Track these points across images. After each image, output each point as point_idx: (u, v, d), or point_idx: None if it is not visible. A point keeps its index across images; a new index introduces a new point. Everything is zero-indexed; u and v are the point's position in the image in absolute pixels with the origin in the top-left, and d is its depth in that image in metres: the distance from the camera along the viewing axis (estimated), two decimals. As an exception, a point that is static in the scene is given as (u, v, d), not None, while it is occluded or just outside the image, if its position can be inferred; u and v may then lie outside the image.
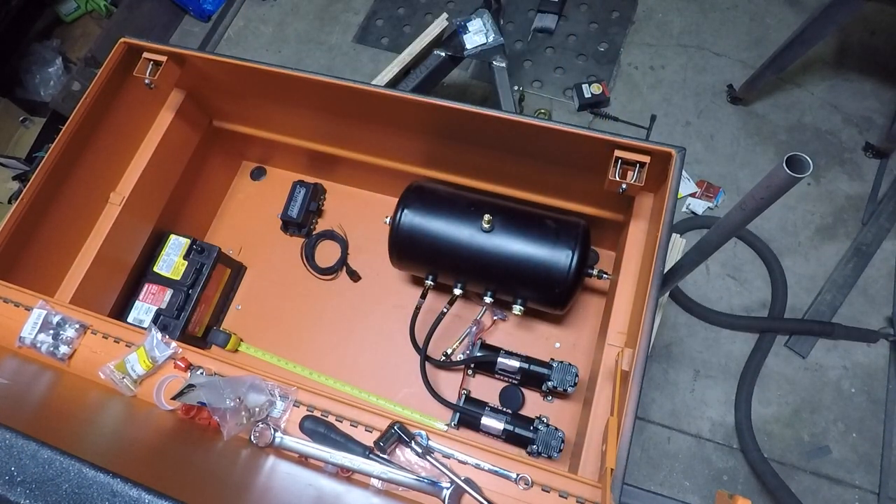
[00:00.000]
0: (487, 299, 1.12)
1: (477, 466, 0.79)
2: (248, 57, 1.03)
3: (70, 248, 1.11)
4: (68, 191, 1.07)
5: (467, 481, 0.76)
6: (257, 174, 1.49)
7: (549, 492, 0.76)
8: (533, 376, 1.11)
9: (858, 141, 1.96)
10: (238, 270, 1.37)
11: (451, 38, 1.64)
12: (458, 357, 1.19)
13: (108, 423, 0.80)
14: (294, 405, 0.83)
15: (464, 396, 1.15)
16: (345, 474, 0.79)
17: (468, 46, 1.60)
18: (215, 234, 1.45)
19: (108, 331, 0.91)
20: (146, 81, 1.05)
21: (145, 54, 1.06)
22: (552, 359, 1.11)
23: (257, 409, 0.80)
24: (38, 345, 0.88)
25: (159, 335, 0.88)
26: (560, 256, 1.03)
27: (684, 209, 1.92)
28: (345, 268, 1.35)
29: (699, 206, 1.91)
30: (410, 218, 1.10)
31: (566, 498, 0.75)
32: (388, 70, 1.66)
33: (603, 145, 0.91)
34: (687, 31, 2.19)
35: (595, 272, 1.09)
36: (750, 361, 1.69)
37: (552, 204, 1.16)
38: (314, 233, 1.40)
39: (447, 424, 1.13)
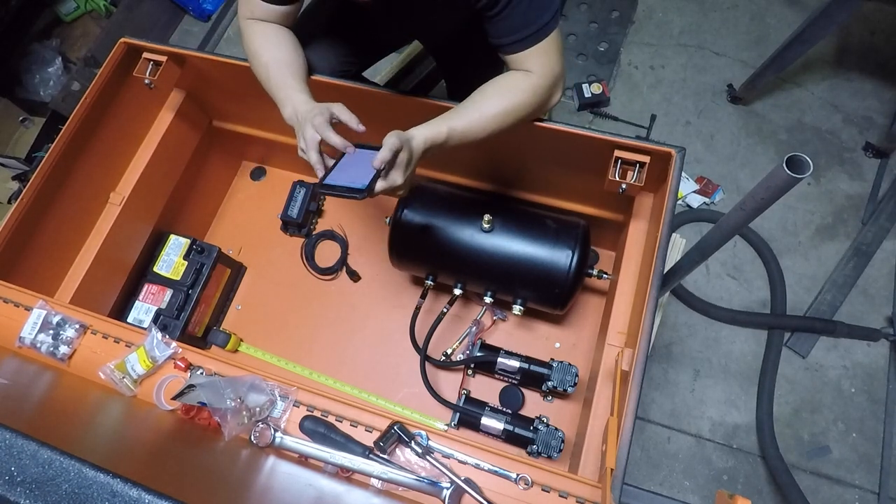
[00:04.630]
0: (487, 299, 1.12)
1: (477, 466, 0.79)
2: (248, 57, 1.03)
3: (70, 248, 1.11)
4: (68, 191, 1.07)
5: (467, 481, 0.76)
6: (257, 174, 1.49)
7: (549, 492, 0.76)
8: (533, 376, 1.11)
9: (858, 141, 1.96)
10: (238, 270, 1.37)
11: (451, 38, 1.63)
12: (458, 357, 1.19)
13: (108, 423, 0.80)
14: (294, 405, 0.83)
15: (464, 396, 1.15)
16: (345, 474, 0.79)
17: (468, 46, 1.60)
18: (215, 234, 1.45)
19: (108, 331, 0.91)
20: (146, 81, 1.05)
21: (145, 54, 1.06)
22: (552, 359, 1.11)
23: (257, 409, 0.80)
24: (38, 345, 0.88)
25: (159, 335, 0.88)
26: (560, 256, 1.03)
27: (680, 202, 1.92)
28: (345, 268, 1.35)
29: (696, 200, 1.91)
30: (410, 218, 1.10)
31: (566, 498, 0.75)
32: (388, 70, 1.66)
33: (603, 145, 0.91)
34: (687, 30, 2.19)
35: (595, 272, 1.09)
36: (766, 360, 1.69)
37: (552, 204, 1.16)
38: (314, 233, 1.40)
39: (447, 424, 1.13)
